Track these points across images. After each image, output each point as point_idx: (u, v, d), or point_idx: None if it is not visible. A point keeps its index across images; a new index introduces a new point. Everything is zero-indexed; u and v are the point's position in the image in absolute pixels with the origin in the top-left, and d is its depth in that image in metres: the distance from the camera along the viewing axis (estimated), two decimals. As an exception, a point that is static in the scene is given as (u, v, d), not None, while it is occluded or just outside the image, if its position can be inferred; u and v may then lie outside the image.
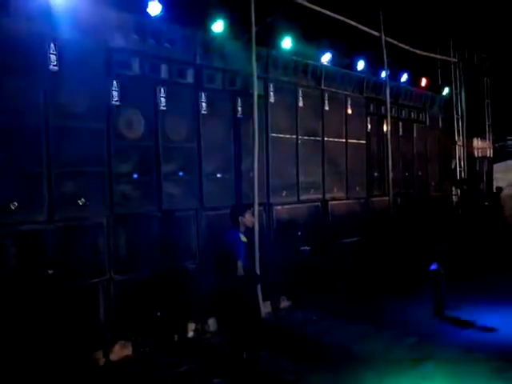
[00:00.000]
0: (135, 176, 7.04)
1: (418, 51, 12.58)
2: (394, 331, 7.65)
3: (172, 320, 7.32)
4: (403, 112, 12.80)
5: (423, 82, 13.65)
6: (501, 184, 17.03)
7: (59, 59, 6.10)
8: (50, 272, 5.96)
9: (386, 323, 8.02)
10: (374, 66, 11.65)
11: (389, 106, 11.58)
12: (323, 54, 10.21)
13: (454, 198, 15.44)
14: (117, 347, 6.72)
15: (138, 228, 7.05)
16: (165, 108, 7.33)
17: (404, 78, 12.75)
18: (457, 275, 9.55)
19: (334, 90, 10.47)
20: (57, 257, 6.10)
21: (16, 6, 5.80)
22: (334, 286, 9.81)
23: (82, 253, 6.38)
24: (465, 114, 15.63)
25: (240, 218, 5.97)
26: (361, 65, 11.23)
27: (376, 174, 11.78)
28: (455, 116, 15.51)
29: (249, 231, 6.35)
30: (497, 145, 18.76)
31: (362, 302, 9.26)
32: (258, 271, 7.50)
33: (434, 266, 8.50)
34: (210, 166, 7.97)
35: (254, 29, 8.07)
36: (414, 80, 13.22)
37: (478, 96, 16.91)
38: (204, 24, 7.98)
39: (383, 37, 11.12)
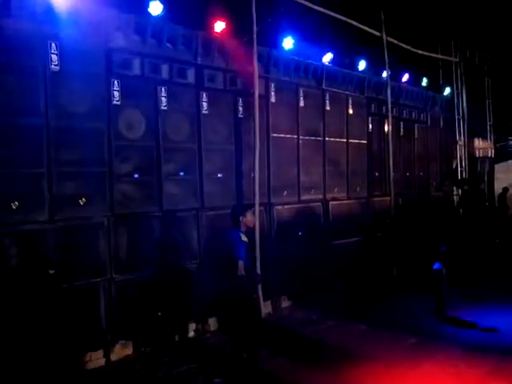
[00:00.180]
0: (136, 176, 7.05)
1: (419, 51, 12.56)
2: (394, 331, 7.64)
3: (173, 320, 7.33)
4: (404, 112, 12.80)
5: (424, 81, 13.62)
6: (502, 184, 17.03)
7: (60, 59, 6.12)
8: (50, 272, 5.97)
9: (387, 323, 8.00)
10: (375, 66, 11.63)
11: (390, 105, 11.57)
12: (324, 53, 10.18)
13: (455, 198, 15.41)
14: (117, 347, 6.74)
15: (139, 228, 7.06)
16: (165, 108, 7.34)
17: (405, 77, 12.72)
18: (457, 275, 9.53)
19: (335, 89, 10.46)
20: (57, 257, 6.11)
21: (17, 6, 5.82)
22: (335, 285, 9.84)
23: (83, 253, 6.39)
24: (466, 113, 15.59)
25: (241, 217, 5.95)
26: (362, 65, 11.20)
27: (377, 174, 11.76)
28: (456, 116, 15.47)
29: (250, 231, 6.34)
30: (498, 145, 18.79)
31: (363, 301, 9.26)
32: (258, 271, 7.50)
33: (436, 266, 8.48)
34: (210, 165, 7.97)
35: (255, 28, 8.08)
36: (415, 80, 13.20)
37: (480, 96, 16.89)
38: (205, 24, 7.97)
39: (384, 37, 11.12)
